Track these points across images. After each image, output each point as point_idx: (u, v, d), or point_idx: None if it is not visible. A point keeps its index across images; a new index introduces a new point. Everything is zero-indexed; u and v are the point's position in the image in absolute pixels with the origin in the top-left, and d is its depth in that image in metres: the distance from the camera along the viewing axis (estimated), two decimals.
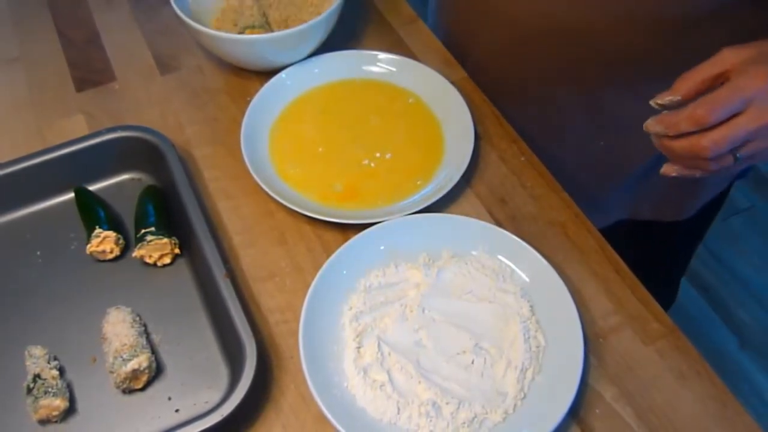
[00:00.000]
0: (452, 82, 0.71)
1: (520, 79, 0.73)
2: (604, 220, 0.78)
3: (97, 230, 0.59)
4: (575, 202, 0.65)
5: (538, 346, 0.54)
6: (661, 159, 0.54)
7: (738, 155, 0.50)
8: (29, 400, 0.52)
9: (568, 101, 0.72)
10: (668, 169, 0.54)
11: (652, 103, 0.52)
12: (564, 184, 0.66)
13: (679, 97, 0.50)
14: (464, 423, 0.50)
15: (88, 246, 0.60)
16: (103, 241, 0.60)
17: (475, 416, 0.51)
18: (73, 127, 0.71)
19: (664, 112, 0.51)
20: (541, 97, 0.73)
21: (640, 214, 0.81)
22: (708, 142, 0.49)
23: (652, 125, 0.51)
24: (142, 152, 0.65)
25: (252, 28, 0.73)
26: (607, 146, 0.74)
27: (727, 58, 0.49)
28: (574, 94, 0.71)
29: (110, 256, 0.61)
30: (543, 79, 0.72)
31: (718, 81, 0.50)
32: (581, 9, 0.63)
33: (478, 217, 0.62)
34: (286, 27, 0.75)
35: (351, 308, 0.56)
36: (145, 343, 0.55)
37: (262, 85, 0.71)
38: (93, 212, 0.62)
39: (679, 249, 0.92)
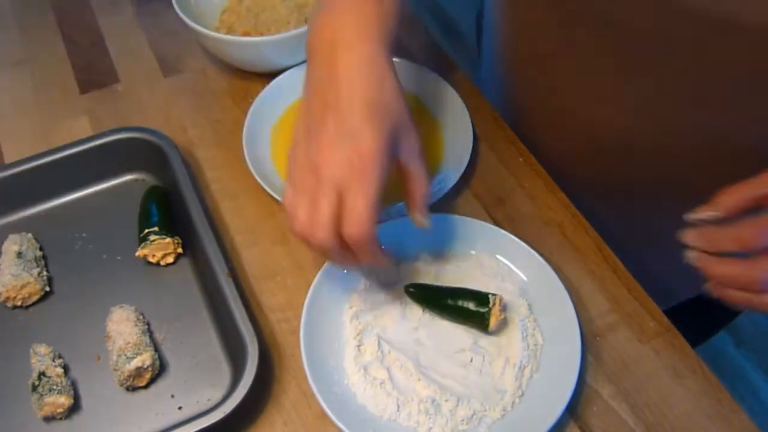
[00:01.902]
0: (451, 84, 0.71)
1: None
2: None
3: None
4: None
5: (536, 345, 0.55)
6: None
7: None
8: (34, 397, 0.52)
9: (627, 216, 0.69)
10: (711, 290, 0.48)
11: (689, 217, 0.48)
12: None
13: (720, 214, 0.46)
14: (463, 420, 0.51)
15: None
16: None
17: (474, 413, 0.51)
18: (77, 128, 0.72)
19: (705, 226, 0.47)
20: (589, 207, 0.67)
21: None
22: (761, 272, 0.43)
23: (692, 237, 0.46)
24: (146, 153, 0.65)
25: None
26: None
27: None
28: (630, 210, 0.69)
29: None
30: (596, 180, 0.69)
31: (762, 201, 0.46)
32: (639, 117, 0.60)
33: (477, 217, 0.62)
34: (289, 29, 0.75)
35: (351, 307, 0.57)
36: (148, 341, 0.55)
37: (264, 86, 0.72)
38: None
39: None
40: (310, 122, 0.47)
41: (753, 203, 0.46)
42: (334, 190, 0.45)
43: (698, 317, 0.71)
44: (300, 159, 0.47)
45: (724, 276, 0.45)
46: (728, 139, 0.58)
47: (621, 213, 0.71)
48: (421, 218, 0.51)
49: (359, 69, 0.46)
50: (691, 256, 0.47)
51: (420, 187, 0.50)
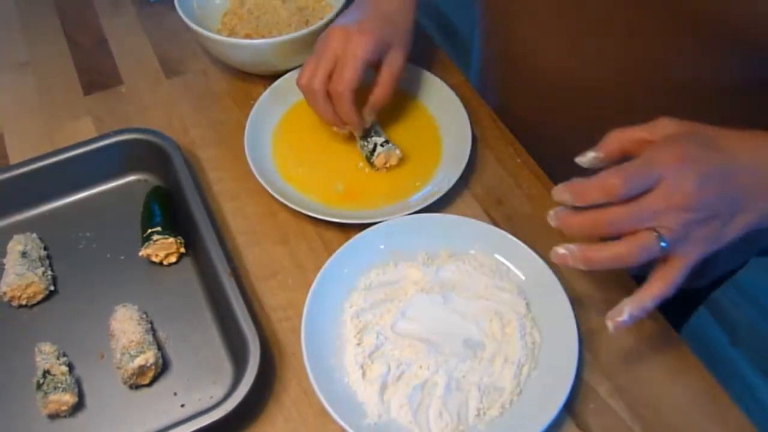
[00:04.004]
0: (450, 86, 0.72)
1: (548, 133, 0.71)
2: None
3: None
4: None
5: (534, 343, 0.55)
6: None
7: (662, 242, 0.46)
8: (39, 395, 0.53)
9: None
10: (561, 258, 0.49)
11: (576, 159, 0.50)
12: None
13: (602, 155, 0.49)
14: (462, 418, 0.51)
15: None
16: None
17: (476, 412, 0.52)
18: (81, 129, 0.73)
19: (574, 179, 0.47)
20: (565, 155, 0.71)
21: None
22: (608, 216, 0.46)
23: (559, 192, 0.48)
24: (149, 154, 0.66)
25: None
26: None
27: (659, 126, 0.48)
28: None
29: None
30: (567, 135, 0.70)
31: (642, 147, 0.48)
32: (599, 68, 0.62)
33: (476, 217, 0.63)
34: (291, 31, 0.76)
35: (352, 305, 0.57)
36: (151, 339, 0.56)
37: (265, 88, 0.72)
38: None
39: (678, 310, 0.86)
40: (339, 19, 0.65)
41: (633, 147, 0.48)
42: (333, 60, 0.62)
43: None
44: (322, 35, 0.64)
45: (578, 225, 0.48)
46: (691, 85, 0.60)
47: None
48: (368, 116, 0.66)
49: None
50: (550, 215, 0.49)
51: (380, 93, 0.65)
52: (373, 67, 0.64)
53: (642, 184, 0.46)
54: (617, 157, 0.49)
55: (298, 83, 0.64)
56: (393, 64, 0.64)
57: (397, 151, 0.66)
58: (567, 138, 0.71)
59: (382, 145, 0.66)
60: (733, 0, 0.50)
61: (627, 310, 0.48)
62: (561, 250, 0.49)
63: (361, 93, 0.64)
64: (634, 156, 0.48)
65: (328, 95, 0.63)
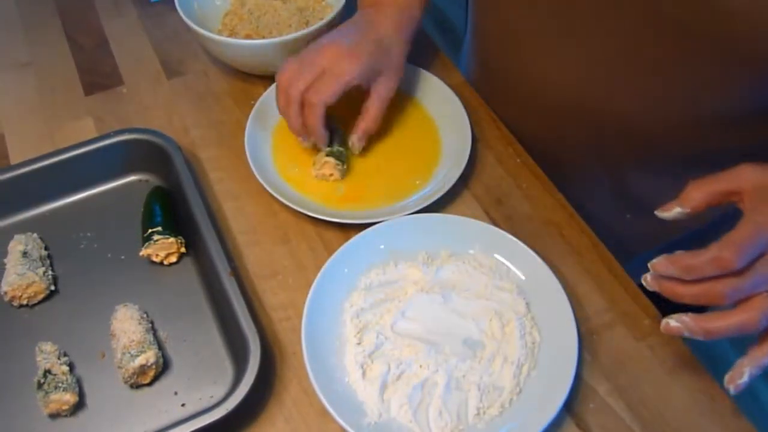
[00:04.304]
0: (450, 86, 0.72)
1: (546, 147, 0.71)
2: None
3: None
4: None
5: (533, 342, 0.56)
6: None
7: None
8: (40, 394, 0.53)
9: (593, 173, 0.72)
10: (674, 330, 0.48)
11: (657, 213, 0.49)
12: None
13: (688, 210, 0.47)
14: (462, 417, 0.52)
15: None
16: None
17: (476, 411, 0.52)
18: (82, 129, 0.73)
19: (678, 252, 0.46)
20: (565, 167, 0.71)
21: None
22: (727, 288, 0.45)
23: (663, 266, 0.47)
24: (149, 154, 0.66)
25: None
26: (632, 221, 0.72)
27: (745, 176, 0.47)
28: (597, 167, 0.71)
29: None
30: (567, 149, 0.71)
31: (728, 198, 0.47)
32: (615, 91, 0.62)
33: (476, 217, 0.63)
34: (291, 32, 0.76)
35: (352, 305, 0.57)
36: (152, 339, 0.56)
37: (265, 88, 0.73)
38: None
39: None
40: (332, 34, 0.65)
41: (718, 199, 0.47)
42: (319, 74, 0.61)
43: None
44: (313, 46, 0.64)
45: (691, 297, 0.47)
46: (686, 107, 0.60)
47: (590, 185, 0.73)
48: (356, 142, 0.66)
49: (388, 25, 0.66)
50: (646, 280, 0.48)
51: (367, 121, 0.65)
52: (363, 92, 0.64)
53: (756, 253, 0.45)
54: (703, 210, 0.48)
55: (277, 80, 0.63)
56: (382, 91, 0.64)
57: (336, 163, 0.65)
58: (566, 143, 0.71)
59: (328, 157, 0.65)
60: (761, 28, 0.49)
61: (747, 371, 0.48)
62: (673, 322, 0.48)
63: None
64: (718, 206, 0.47)
65: (302, 105, 0.62)
